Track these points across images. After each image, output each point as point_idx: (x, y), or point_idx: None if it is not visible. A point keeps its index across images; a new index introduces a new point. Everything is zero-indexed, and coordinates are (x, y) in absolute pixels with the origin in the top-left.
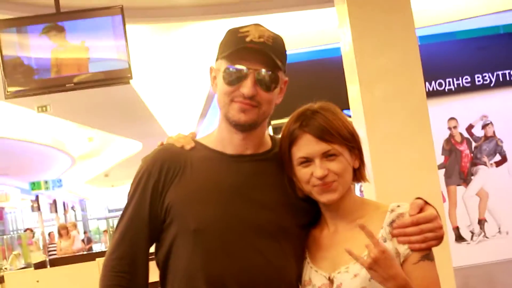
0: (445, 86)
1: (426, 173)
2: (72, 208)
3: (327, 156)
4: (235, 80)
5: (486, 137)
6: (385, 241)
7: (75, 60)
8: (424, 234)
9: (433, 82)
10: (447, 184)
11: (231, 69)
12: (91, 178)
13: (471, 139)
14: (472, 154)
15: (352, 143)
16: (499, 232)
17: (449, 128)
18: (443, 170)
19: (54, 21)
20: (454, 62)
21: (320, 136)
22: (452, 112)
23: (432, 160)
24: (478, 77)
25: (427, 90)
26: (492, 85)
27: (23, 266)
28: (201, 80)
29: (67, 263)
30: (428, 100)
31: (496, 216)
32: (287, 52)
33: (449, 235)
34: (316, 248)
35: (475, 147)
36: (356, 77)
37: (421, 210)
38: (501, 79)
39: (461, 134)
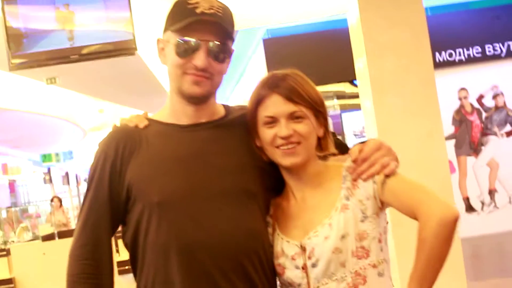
0: (456, 56)
1: (434, 144)
2: (85, 180)
3: (293, 117)
4: (187, 51)
5: (497, 107)
6: (347, 199)
7: (78, 32)
8: (381, 160)
9: (443, 53)
10: (458, 154)
11: (183, 41)
12: None
13: (481, 109)
14: (482, 125)
15: (319, 107)
16: (510, 202)
17: (460, 99)
18: (454, 140)
19: None
20: (465, 32)
21: (288, 96)
22: (463, 83)
23: (440, 131)
24: (488, 47)
25: (437, 60)
26: (503, 55)
27: (30, 238)
28: None
29: None
30: (438, 71)
31: (506, 186)
32: (300, 23)
33: (459, 205)
34: (285, 218)
35: (486, 117)
36: (363, 48)
37: (361, 151)
38: None
39: (471, 104)
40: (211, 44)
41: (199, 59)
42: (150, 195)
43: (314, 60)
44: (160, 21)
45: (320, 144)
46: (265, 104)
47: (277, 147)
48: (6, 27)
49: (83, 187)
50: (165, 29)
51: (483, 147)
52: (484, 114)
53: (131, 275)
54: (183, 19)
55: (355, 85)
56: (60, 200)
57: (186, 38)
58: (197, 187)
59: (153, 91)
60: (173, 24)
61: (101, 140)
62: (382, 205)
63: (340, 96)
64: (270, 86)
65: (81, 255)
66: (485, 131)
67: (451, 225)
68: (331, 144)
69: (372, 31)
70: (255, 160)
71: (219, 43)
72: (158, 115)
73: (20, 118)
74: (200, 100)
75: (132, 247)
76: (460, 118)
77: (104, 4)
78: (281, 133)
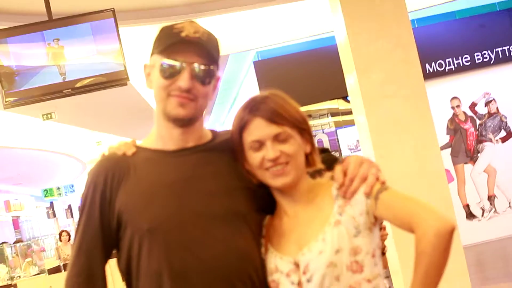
0: (446, 66)
1: (429, 154)
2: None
3: (278, 139)
4: (172, 73)
5: (490, 114)
6: (340, 214)
7: (70, 66)
8: (371, 172)
9: (433, 64)
10: (454, 163)
11: (167, 62)
12: None
13: (475, 117)
14: (477, 132)
15: (303, 125)
16: (510, 206)
17: (452, 108)
18: (449, 149)
19: (47, 28)
20: (453, 42)
21: (270, 118)
22: (454, 92)
23: (434, 140)
24: (477, 55)
25: (427, 71)
26: (492, 62)
27: (37, 273)
28: None
29: None
30: (429, 81)
31: (505, 192)
32: (289, 44)
33: (460, 213)
34: (278, 235)
35: (480, 125)
36: (352, 63)
37: (345, 171)
38: (500, 56)
39: (464, 112)
40: (195, 66)
41: (183, 80)
42: (140, 222)
43: (306, 79)
44: (150, 49)
45: (308, 160)
46: (248, 129)
47: (267, 169)
48: None
49: None
50: (151, 54)
51: (479, 154)
52: (478, 122)
53: None
54: (169, 41)
55: (349, 101)
56: (68, 234)
57: (171, 60)
58: (185, 212)
59: (148, 119)
60: (159, 47)
61: (91, 169)
62: (375, 220)
63: (334, 113)
64: (251, 110)
65: (75, 285)
66: (480, 138)
67: (448, 236)
68: (318, 159)
69: (360, 46)
70: (244, 182)
71: (203, 65)
72: (146, 141)
73: (19, 155)
74: (185, 122)
75: (126, 274)
76: (455, 127)
77: (93, 38)
78: (268, 155)
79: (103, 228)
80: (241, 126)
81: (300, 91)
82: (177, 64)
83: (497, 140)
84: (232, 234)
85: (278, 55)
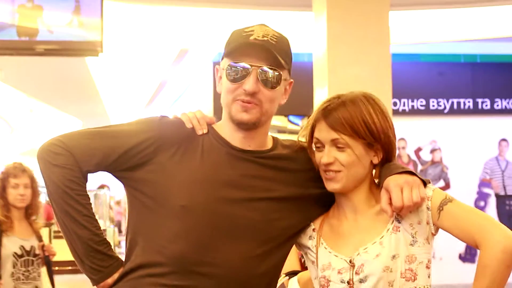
0: (399, 106)
1: None
2: None
3: (336, 145)
4: (238, 77)
5: (433, 162)
6: (399, 222)
7: (42, 26)
8: (414, 197)
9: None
10: None
11: (234, 66)
12: (27, 150)
13: (417, 162)
14: None
15: (367, 139)
16: (433, 257)
17: (398, 148)
18: None
19: None
20: (412, 84)
21: (332, 125)
22: (402, 133)
23: None
24: (433, 101)
25: None
26: (445, 111)
27: None
28: (155, 67)
29: None
30: None
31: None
32: None
33: None
34: (335, 236)
35: (421, 170)
36: (326, 83)
37: (390, 200)
38: (455, 107)
39: (408, 155)
40: (261, 69)
41: (248, 83)
42: (178, 196)
43: None
44: (114, 30)
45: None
46: (317, 127)
47: (323, 170)
48: None
49: None
50: (222, 57)
51: None
52: (419, 167)
53: None
54: (236, 44)
55: (290, 121)
56: None
57: (237, 63)
58: (223, 210)
59: (89, 98)
60: (227, 50)
61: (163, 120)
62: (435, 231)
63: (281, 131)
64: (323, 112)
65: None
66: None
67: None
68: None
69: (337, 66)
70: (299, 190)
71: (270, 69)
72: (219, 125)
73: None
74: (249, 127)
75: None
76: None
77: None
78: (323, 159)
79: (121, 156)
80: (316, 120)
81: None
82: (243, 67)
83: None
84: (248, 252)
85: None
